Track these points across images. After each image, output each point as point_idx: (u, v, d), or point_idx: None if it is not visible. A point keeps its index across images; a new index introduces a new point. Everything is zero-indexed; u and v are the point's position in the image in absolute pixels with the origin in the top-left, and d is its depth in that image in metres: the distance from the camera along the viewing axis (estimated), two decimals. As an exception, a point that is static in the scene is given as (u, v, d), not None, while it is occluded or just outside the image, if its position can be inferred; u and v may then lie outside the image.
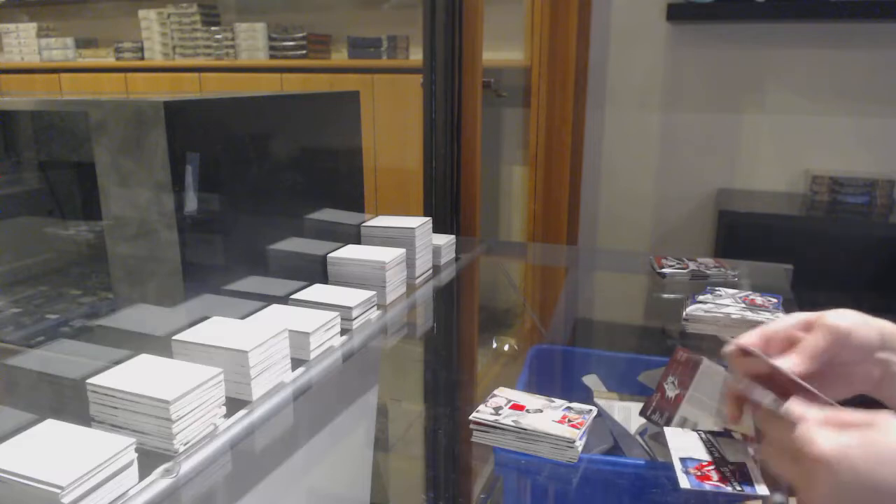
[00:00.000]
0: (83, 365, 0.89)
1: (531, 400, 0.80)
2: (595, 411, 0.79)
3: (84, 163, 1.19)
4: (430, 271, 1.32)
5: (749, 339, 0.61)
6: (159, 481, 0.65)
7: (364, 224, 1.29)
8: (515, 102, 2.80)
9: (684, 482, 0.66)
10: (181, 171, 0.82)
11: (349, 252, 1.18)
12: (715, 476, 0.66)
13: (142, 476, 0.64)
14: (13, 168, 1.22)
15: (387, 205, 2.79)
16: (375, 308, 1.09)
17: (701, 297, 1.16)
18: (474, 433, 0.76)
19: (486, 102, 2.32)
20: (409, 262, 1.24)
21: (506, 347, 1.23)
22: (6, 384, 0.88)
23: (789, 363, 0.57)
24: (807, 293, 1.59)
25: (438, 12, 1.54)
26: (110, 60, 3.60)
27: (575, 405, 0.79)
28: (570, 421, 0.75)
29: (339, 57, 3.21)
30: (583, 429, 0.74)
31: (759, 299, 1.16)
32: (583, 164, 2.68)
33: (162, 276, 0.85)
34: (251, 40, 3.23)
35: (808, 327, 0.61)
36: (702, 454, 0.70)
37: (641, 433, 0.88)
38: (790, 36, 2.32)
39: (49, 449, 0.61)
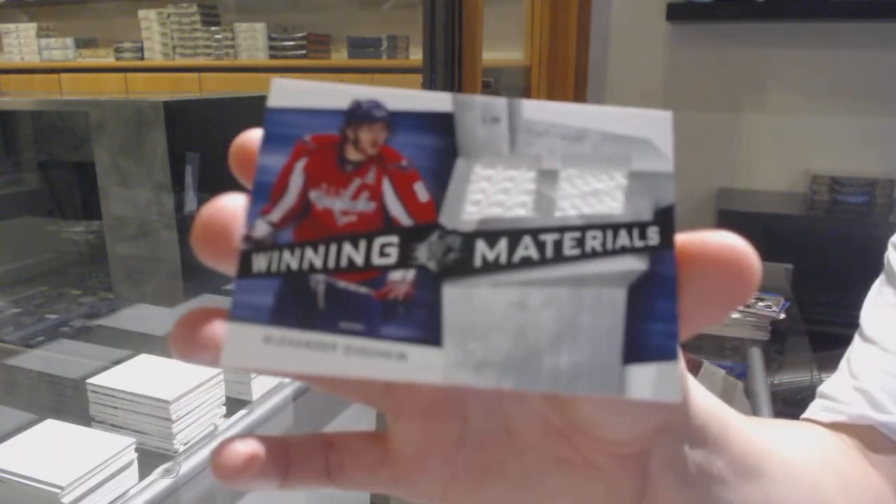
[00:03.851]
0: (83, 365, 0.89)
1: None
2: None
3: (84, 163, 1.19)
4: (430, 271, 1.32)
5: None
6: (159, 481, 0.65)
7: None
8: (515, 102, 2.80)
9: None
10: (181, 170, 0.82)
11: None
12: None
13: (142, 476, 0.64)
14: (13, 168, 1.22)
15: (387, 205, 2.78)
16: (375, 308, 1.09)
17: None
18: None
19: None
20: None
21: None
22: (6, 384, 0.88)
23: None
24: (807, 293, 1.59)
25: (438, 12, 1.54)
26: (110, 60, 3.60)
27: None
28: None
29: (339, 57, 3.21)
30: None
31: (762, 301, 1.16)
32: (583, 164, 2.68)
33: (162, 276, 0.85)
34: (251, 40, 3.23)
35: None
36: None
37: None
38: (790, 36, 2.32)
39: (49, 449, 0.61)
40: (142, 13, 3.45)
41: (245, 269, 0.17)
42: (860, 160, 2.31)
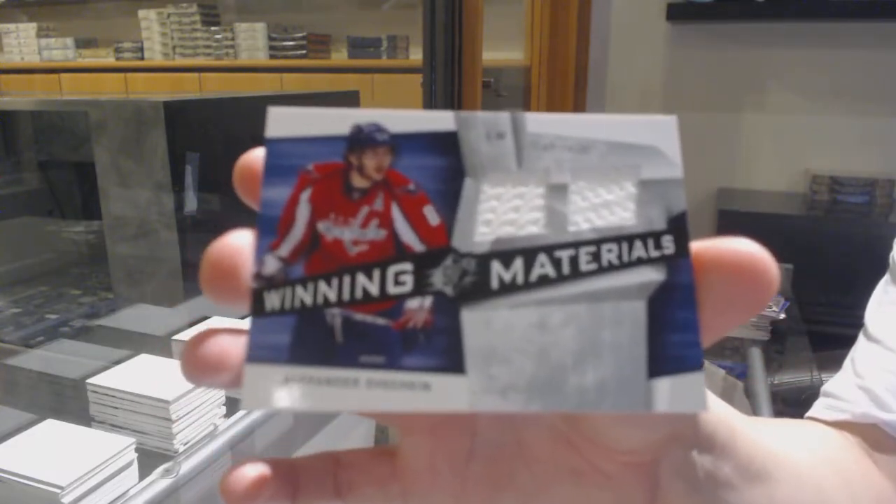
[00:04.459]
0: (83, 365, 0.89)
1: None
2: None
3: (84, 163, 1.19)
4: (430, 271, 1.32)
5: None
6: (159, 481, 0.65)
7: (364, 224, 1.29)
8: (515, 102, 2.80)
9: None
10: (181, 170, 0.82)
11: (349, 252, 1.18)
12: None
13: (142, 476, 0.64)
14: (13, 168, 1.22)
15: (387, 205, 2.78)
16: (375, 308, 1.09)
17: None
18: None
19: (486, 102, 2.32)
20: (409, 262, 1.24)
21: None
22: (6, 384, 0.88)
23: None
24: (807, 293, 1.59)
25: (438, 12, 1.54)
26: (110, 60, 3.60)
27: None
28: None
29: (339, 57, 3.21)
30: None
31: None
32: (583, 164, 2.67)
33: (162, 276, 0.85)
34: (251, 40, 3.23)
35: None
36: None
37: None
38: (790, 36, 2.32)
39: (49, 449, 0.61)
40: (142, 13, 3.45)
41: (258, 307, 0.17)
42: (860, 160, 2.31)
